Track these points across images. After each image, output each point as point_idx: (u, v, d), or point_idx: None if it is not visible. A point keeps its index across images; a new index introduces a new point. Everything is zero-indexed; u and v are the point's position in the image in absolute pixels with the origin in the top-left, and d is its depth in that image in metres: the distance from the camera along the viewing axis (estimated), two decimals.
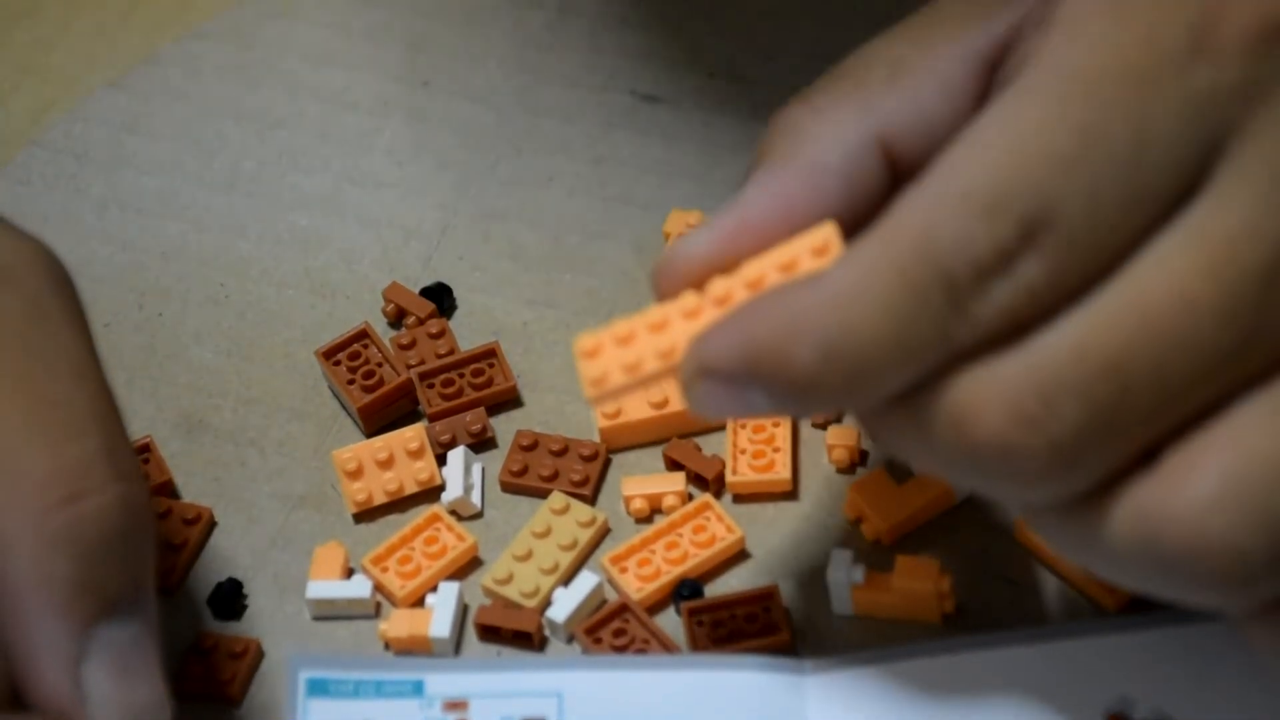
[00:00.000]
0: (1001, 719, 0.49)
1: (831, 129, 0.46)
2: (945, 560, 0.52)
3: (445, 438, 0.57)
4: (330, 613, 0.54)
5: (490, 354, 0.58)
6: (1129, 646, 0.50)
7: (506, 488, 0.56)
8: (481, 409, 0.57)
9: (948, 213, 0.42)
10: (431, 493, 0.56)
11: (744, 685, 0.50)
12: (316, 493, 0.56)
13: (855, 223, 0.45)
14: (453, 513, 0.56)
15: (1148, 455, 0.42)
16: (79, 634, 0.44)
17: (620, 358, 0.46)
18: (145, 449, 0.57)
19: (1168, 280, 0.41)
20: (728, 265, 0.46)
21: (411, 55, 0.68)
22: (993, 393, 0.42)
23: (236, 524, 0.56)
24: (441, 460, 0.56)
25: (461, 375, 0.58)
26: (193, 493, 0.57)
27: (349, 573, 0.54)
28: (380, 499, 0.56)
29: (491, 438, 0.57)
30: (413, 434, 0.56)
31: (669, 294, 0.46)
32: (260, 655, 0.53)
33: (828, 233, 0.45)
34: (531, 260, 0.62)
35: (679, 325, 0.46)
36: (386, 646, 0.53)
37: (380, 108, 0.66)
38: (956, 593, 0.52)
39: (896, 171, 0.46)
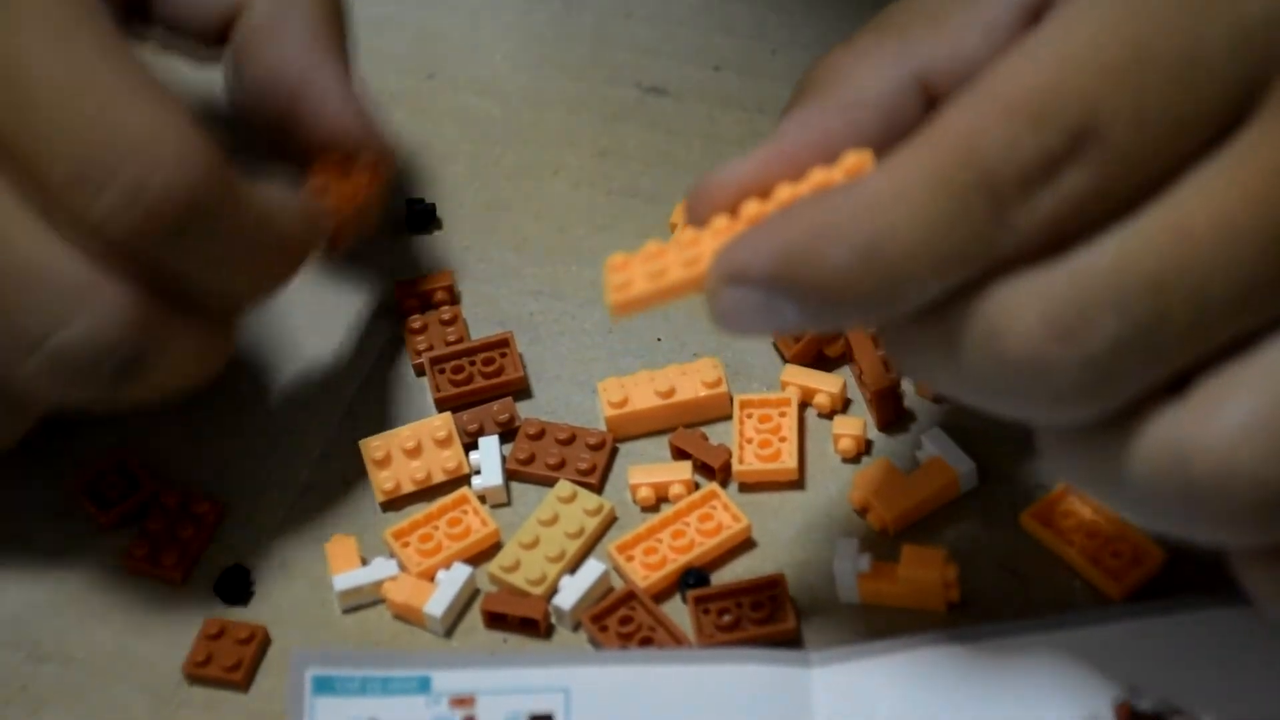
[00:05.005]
0: (1007, 709, 0.49)
1: (871, 68, 0.46)
2: (951, 549, 0.52)
3: (473, 427, 0.57)
4: (358, 601, 0.54)
5: (503, 344, 0.58)
6: (1135, 635, 0.50)
7: (513, 476, 0.56)
8: (509, 399, 0.57)
9: (994, 119, 0.41)
10: (459, 482, 0.56)
11: (750, 679, 0.50)
12: (323, 480, 0.57)
13: None
14: (480, 498, 0.56)
15: (1178, 384, 0.42)
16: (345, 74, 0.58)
17: (646, 268, 0.45)
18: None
19: (1211, 205, 0.41)
20: (762, 191, 0.45)
21: (417, 47, 0.68)
22: (1029, 302, 0.41)
23: (244, 511, 0.56)
24: (468, 448, 0.56)
25: (472, 363, 0.58)
26: (202, 480, 0.57)
27: (363, 559, 0.54)
28: (408, 487, 0.56)
29: (518, 426, 0.57)
30: (440, 422, 0.56)
31: (702, 218, 0.46)
32: (267, 641, 0.53)
33: (864, 157, 0.44)
34: (537, 252, 0.62)
35: (708, 241, 0.45)
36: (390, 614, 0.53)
37: (386, 99, 0.66)
38: (962, 582, 0.52)
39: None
